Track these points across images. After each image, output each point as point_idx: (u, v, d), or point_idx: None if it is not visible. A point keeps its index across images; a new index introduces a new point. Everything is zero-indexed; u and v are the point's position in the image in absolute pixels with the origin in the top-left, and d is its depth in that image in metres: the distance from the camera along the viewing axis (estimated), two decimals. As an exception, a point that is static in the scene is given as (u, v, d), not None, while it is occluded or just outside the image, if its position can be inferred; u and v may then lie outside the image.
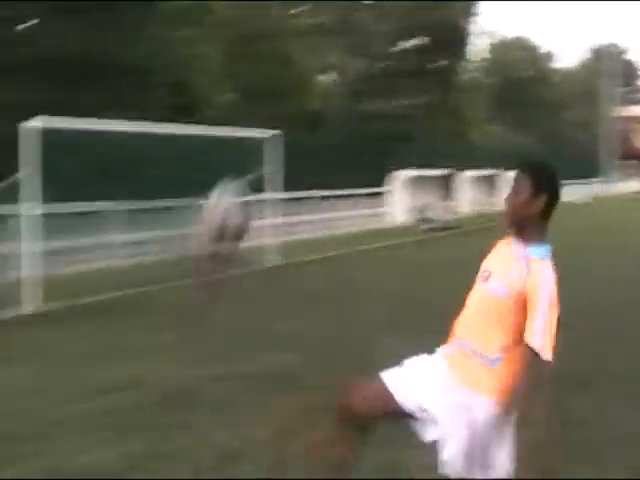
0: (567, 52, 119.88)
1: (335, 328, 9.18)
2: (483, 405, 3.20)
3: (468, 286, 3.46)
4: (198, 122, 18.97)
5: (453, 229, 23.35)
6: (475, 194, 31.28)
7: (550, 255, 3.26)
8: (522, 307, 3.14)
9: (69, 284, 12.44)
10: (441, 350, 3.45)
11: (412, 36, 36.40)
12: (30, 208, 10.76)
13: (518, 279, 3.16)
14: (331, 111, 28.39)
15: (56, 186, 12.24)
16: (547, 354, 3.08)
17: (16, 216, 12.28)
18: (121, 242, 15.27)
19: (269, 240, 15.27)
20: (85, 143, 14.01)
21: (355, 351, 7.69)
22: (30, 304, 10.32)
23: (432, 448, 3.32)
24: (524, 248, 3.24)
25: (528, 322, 3.10)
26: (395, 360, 3.57)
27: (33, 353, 8.13)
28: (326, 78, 30.13)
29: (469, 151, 37.90)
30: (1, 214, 12.42)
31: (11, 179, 10.89)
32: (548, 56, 64.12)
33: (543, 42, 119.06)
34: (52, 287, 11.14)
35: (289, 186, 17.60)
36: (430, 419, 3.28)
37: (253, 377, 6.92)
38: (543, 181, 3.24)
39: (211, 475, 4.76)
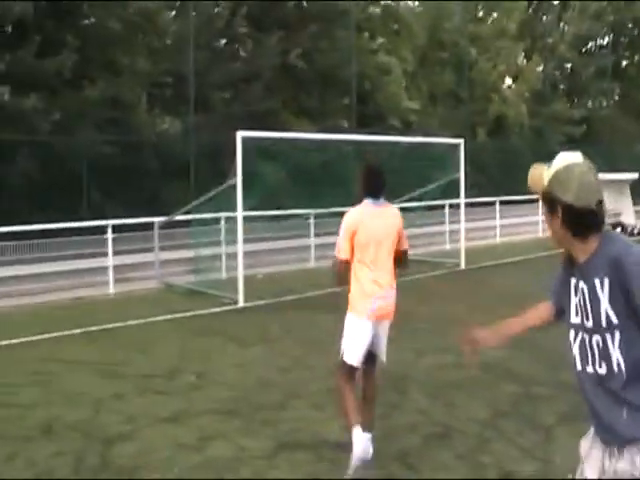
0: None
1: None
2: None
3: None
4: (384, 131, 19.58)
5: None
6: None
7: (364, 203, 5.10)
8: None
9: (269, 283, 13.44)
10: None
11: (599, 36, 35.39)
12: (234, 212, 11.69)
13: None
14: (514, 115, 28.16)
15: (258, 192, 13.29)
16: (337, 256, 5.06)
17: (221, 220, 13.51)
18: (314, 245, 16.13)
19: (459, 244, 15.60)
20: (282, 152, 15.05)
21: (549, 345, 8.05)
22: (241, 299, 11.30)
23: None
24: None
25: None
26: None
27: (259, 337, 9.10)
28: (508, 83, 29.92)
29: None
30: (208, 218, 13.62)
31: (223, 186, 11.94)
32: None
33: None
34: (254, 285, 12.19)
35: (472, 191, 17.89)
36: None
37: (464, 366, 7.47)
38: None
39: (436, 447, 5.36)
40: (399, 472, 4.91)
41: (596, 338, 2.59)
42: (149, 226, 13.77)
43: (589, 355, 2.64)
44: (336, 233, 16.21)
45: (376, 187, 5.16)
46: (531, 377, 7.14)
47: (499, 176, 23.55)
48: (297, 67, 20.23)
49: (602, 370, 2.60)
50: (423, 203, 16.94)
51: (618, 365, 2.55)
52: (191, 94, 17.25)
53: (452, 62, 26.54)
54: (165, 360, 7.99)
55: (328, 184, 16.66)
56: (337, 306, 11.04)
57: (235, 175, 11.34)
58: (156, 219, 13.71)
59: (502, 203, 21.60)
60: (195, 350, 8.50)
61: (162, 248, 13.88)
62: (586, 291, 2.59)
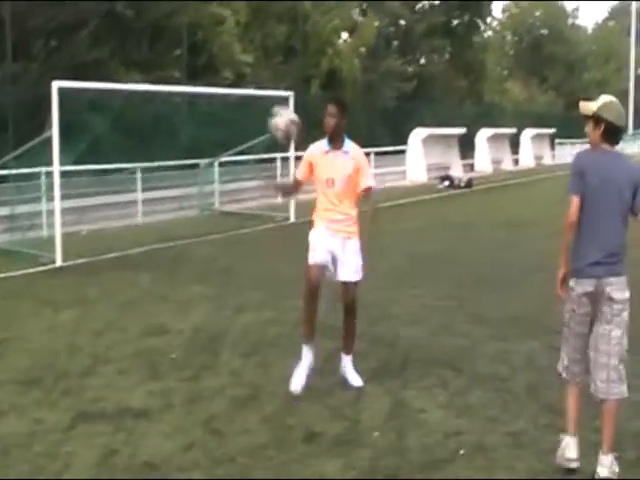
0: (588, 11, 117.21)
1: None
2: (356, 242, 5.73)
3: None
4: (216, 83, 19.15)
5: (472, 187, 23.40)
6: (493, 152, 31.25)
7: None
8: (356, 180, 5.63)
9: (92, 240, 12.89)
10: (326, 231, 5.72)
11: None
12: (53, 167, 10.90)
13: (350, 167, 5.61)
14: (348, 70, 28.31)
15: (77, 146, 12.61)
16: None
17: (41, 175, 12.77)
18: (140, 200, 15.62)
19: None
20: (104, 104, 14.35)
21: (368, 300, 8.14)
22: (59, 259, 10.72)
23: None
24: (340, 149, 5.68)
25: (362, 180, 5.63)
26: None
27: (73, 300, 8.60)
28: (344, 37, 30.04)
29: (487, 109, 37.88)
30: (27, 173, 12.83)
31: (39, 139, 11.25)
32: (572, 15, 62.59)
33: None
34: (76, 243, 11.62)
35: (304, 145, 17.83)
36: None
37: (282, 323, 7.44)
38: (344, 109, 5.69)
39: (244, 410, 5.21)
40: (203, 437, 4.74)
41: None
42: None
43: None
44: (164, 187, 15.96)
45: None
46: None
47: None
48: (126, 16, 19.32)
49: None
50: (252, 157, 16.90)
51: None
52: (8, 40, 16.12)
53: (287, 14, 26.27)
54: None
55: (158, 137, 16.16)
56: (157, 264, 10.80)
57: (52, 127, 10.68)
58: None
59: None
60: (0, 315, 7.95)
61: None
62: None
